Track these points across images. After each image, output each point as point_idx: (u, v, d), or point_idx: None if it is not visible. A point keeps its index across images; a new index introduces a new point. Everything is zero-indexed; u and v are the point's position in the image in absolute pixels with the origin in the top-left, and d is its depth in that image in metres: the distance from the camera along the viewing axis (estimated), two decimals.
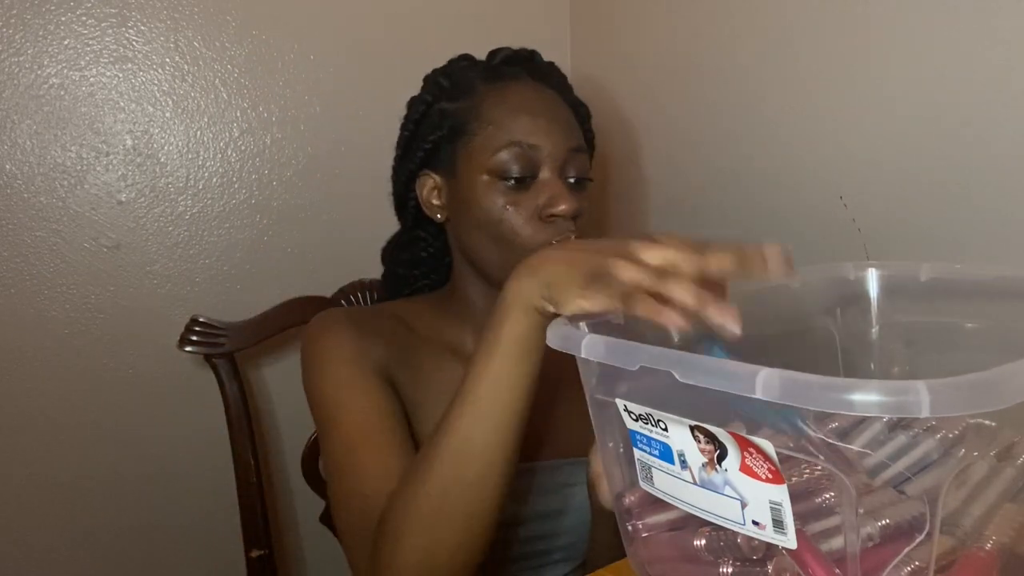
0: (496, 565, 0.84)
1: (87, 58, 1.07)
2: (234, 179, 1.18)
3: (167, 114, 1.13)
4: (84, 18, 1.07)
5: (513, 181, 0.80)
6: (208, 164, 1.16)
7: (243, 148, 1.18)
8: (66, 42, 1.06)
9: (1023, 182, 0.80)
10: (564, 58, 1.41)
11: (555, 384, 0.85)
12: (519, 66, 0.87)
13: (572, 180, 0.83)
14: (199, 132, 1.15)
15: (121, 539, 1.17)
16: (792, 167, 1.04)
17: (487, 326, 0.65)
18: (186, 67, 1.13)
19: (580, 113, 0.89)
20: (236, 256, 1.19)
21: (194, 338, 1.08)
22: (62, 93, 1.07)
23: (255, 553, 1.11)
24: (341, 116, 1.23)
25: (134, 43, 1.10)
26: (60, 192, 1.08)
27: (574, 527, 0.87)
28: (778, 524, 0.45)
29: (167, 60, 1.12)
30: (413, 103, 0.90)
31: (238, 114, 1.17)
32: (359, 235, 1.25)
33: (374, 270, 1.20)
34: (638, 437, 0.53)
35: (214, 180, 1.17)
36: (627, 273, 0.53)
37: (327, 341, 0.82)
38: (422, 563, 0.65)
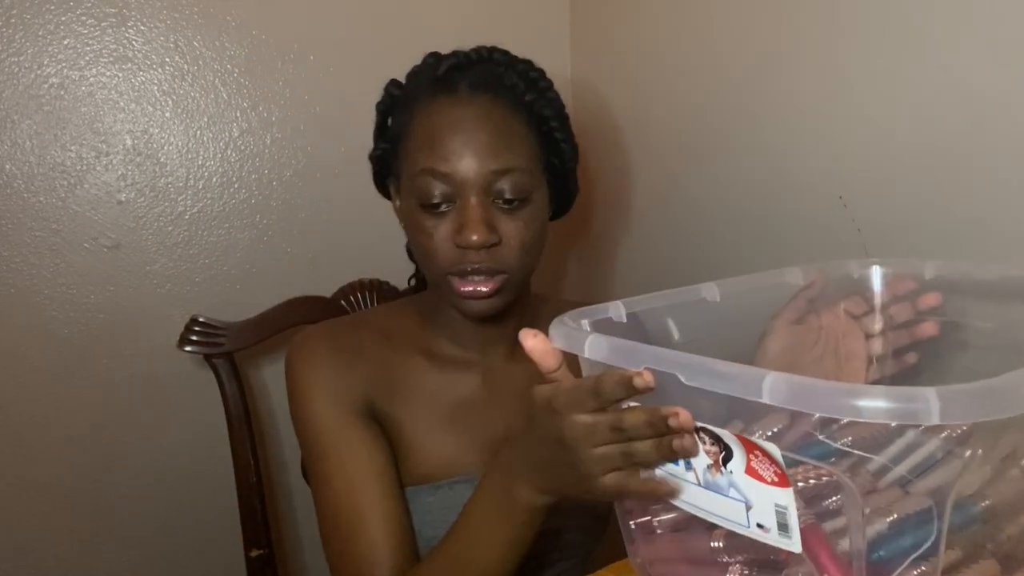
0: None
1: (87, 58, 1.07)
2: (234, 179, 1.18)
3: (167, 114, 1.13)
4: (84, 18, 1.07)
5: (430, 205, 0.77)
6: (208, 164, 1.16)
7: (243, 148, 1.18)
8: (66, 42, 1.06)
9: (1023, 182, 0.81)
10: (563, 60, 1.41)
11: (521, 382, 0.83)
12: (462, 73, 0.80)
13: (503, 203, 0.77)
14: (199, 132, 1.15)
15: (121, 539, 1.17)
16: (792, 167, 1.04)
17: (486, 498, 0.67)
18: (186, 67, 1.13)
19: (540, 118, 0.81)
20: (236, 256, 1.19)
21: (194, 338, 1.08)
22: (62, 93, 1.06)
23: (255, 553, 1.11)
24: (341, 116, 1.23)
25: (134, 43, 1.10)
26: (60, 192, 1.08)
27: (569, 526, 0.87)
28: (783, 527, 0.45)
29: (167, 60, 1.12)
30: (376, 111, 0.89)
31: (238, 114, 1.17)
32: (359, 235, 1.25)
33: (374, 270, 1.20)
34: None
35: (214, 180, 1.17)
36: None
37: (309, 376, 0.83)
38: None
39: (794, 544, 0.45)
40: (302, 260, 1.23)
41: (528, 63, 0.84)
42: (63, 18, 1.05)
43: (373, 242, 1.23)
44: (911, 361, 0.76)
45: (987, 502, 0.48)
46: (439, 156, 0.76)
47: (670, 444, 0.50)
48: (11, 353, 1.08)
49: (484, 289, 0.77)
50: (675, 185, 1.23)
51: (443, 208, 0.77)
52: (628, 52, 1.29)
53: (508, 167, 0.76)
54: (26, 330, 1.08)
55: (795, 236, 1.05)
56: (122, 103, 1.10)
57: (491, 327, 0.87)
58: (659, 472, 0.53)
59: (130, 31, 1.09)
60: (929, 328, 0.73)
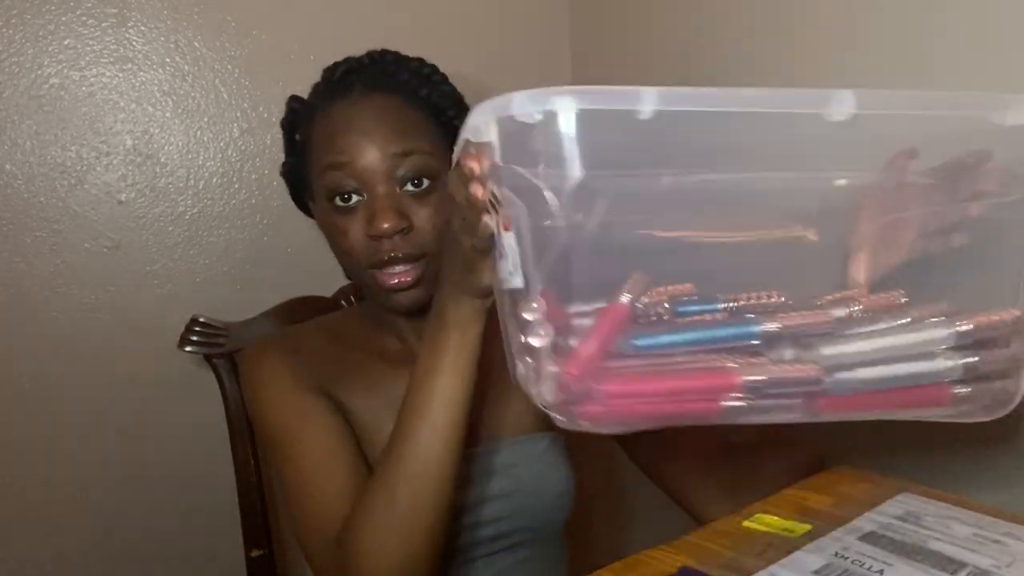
0: (449, 555, 0.83)
1: (87, 58, 1.07)
2: (234, 179, 1.18)
3: (167, 114, 1.13)
4: (84, 18, 1.07)
5: (340, 202, 0.79)
6: (208, 164, 1.16)
7: (243, 148, 1.18)
8: (66, 42, 1.06)
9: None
10: (564, 59, 1.41)
11: (484, 366, 0.85)
12: (356, 76, 0.82)
13: (411, 187, 0.78)
14: (199, 132, 1.15)
15: (120, 538, 1.17)
16: (792, 168, 1.04)
17: (428, 342, 0.69)
18: (186, 67, 1.13)
19: (437, 109, 0.83)
20: (236, 256, 1.19)
21: (194, 338, 1.08)
22: (62, 93, 1.07)
23: (255, 553, 1.11)
24: None
25: (134, 43, 1.10)
26: (60, 192, 1.08)
27: (524, 508, 0.87)
28: (513, 268, 0.51)
29: (167, 60, 1.12)
30: (281, 127, 0.90)
31: (238, 114, 1.17)
32: None
33: None
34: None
35: (214, 180, 1.17)
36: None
37: (263, 371, 0.84)
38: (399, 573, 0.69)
39: (517, 281, 0.50)
40: (302, 260, 1.23)
41: (420, 60, 0.86)
42: (63, 18, 1.06)
43: None
44: (956, 243, 0.63)
45: None
46: (339, 150, 0.78)
47: (466, 195, 0.54)
48: (11, 353, 1.08)
49: (408, 279, 0.78)
50: (675, 186, 1.23)
51: (353, 202, 0.78)
52: (628, 52, 1.29)
53: (408, 149, 0.78)
54: (26, 330, 1.08)
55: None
56: (122, 103, 1.10)
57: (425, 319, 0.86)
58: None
59: (130, 31, 1.09)
60: (974, 209, 0.61)
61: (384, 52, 0.85)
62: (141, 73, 1.11)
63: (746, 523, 0.66)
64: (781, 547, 0.61)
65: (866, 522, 0.64)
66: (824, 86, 1.00)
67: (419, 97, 0.82)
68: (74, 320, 1.10)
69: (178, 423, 1.18)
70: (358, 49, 1.22)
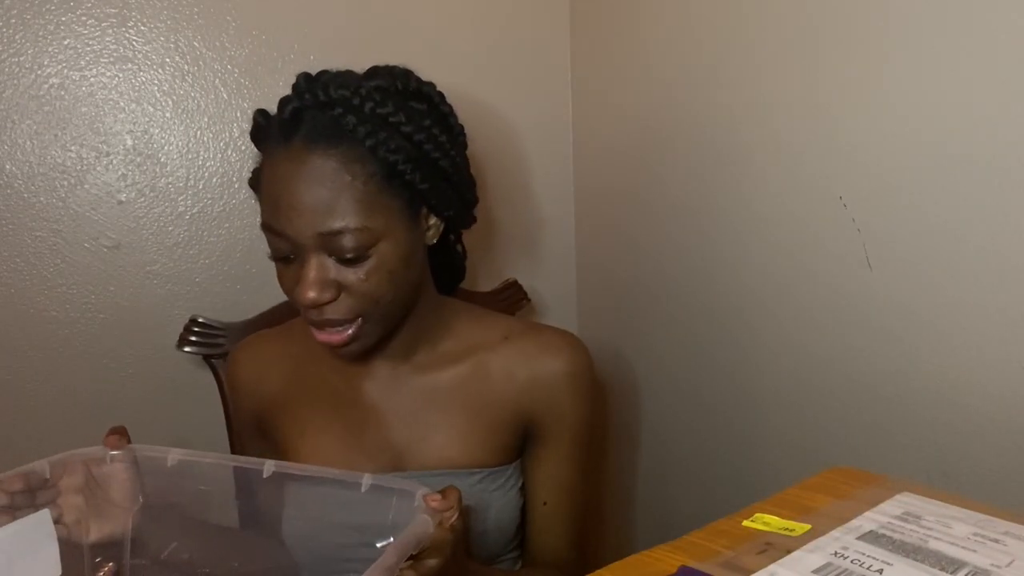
0: None
1: (87, 58, 1.07)
2: (234, 179, 1.18)
3: (167, 114, 1.13)
4: (84, 18, 1.07)
5: (282, 260, 0.79)
6: (208, 164, 1.16)
7: (243, 148, 1.18)
8: (66, 42, 1.06)
9: (1023, 182, 0.81)
10: (564, 61, 1.41)
11: (425, 392, 0.89)
12: (301, 119, 0.77)
13: (340, 260, 0.76)
14: (199, 132, 1.15)
15: None
16: (792, 167, 1.04)
17: None
18: (186, 67, 1.13)
19: (384, 163, 0.76)
20: (236, 256, 1.19)
21: (193, 338, 1.08)
22: (62, 93, 1.07)
23: None
24: None
25: (134, 43, 1.10)
26: (60, 192, 1.08)
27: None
28: None
29: (167, 60, 1.12)
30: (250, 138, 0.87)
31: (238, 114, 1.17)
32: None
33: None
34: None
35: (214, 180, 1.17)
36: None
37: (230, 380, 0.96)
38: None
39: None
40: None
41: (379, 97, 0.77)
42: (63, 18, 1.06)
43: None
44: None
45: None
46: (274, 214, 0.76)
47: None
48: (11, 353, 1.08)
49: (339, 339, 0.79)
50: (675, 185, 1.23)
51: (291, 258, 0.78)
52: (628, 52, 1.29)
53: (338, 229, 0.74)
54: (26, 330, 1.08)
55: (795, 236, 1.05)
56: (122, 103, 1.10)
57: (382, 342, 0.86)
58: None
59: (130, 31, 1.09)
60: None
61: (339, 86, 0.77)
62: (141, 73, 1.11)
63: (746, 523, 0.66)
64: (781, 547, 0.61)
65: (866, 522, 0.64)
66: (824, 84, 1.00)
67: (365, 150, 0.75)
68: (74, 320, 1.10)
69: (177, 423, 1.18)
70: (357, 50, 1.23)
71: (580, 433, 0.93)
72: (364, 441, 0.88)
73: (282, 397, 0.92)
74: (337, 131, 0.76)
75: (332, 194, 0.75)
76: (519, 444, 0.92)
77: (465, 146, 0.88)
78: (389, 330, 0.84)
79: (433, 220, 0.84)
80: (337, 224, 0.74)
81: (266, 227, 0.78)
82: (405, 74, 0.83)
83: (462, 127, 0.87)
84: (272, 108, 1.17)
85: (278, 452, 0.91)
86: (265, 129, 0.81)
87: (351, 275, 0.77)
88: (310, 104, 0.77)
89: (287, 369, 0.93)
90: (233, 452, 1.09)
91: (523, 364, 0.90)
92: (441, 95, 0.86)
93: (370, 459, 0.87)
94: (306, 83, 0.78)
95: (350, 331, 0.79)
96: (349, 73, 0.83)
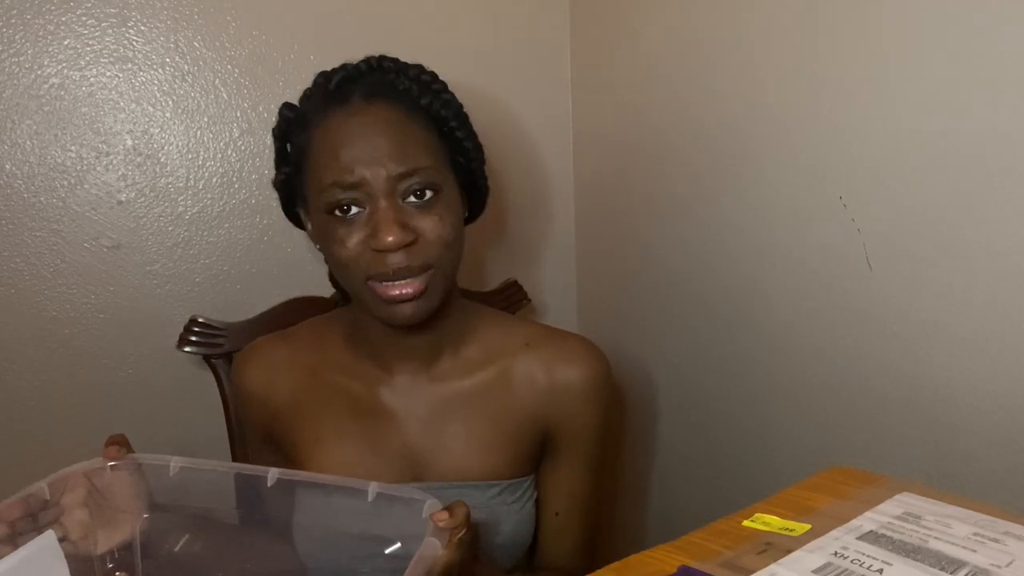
0: None
1: (87, 58, 1.07)
2: (234, 179, 1.18)
3: (167, 114, 1.13)
4: (84, 18, 1.07)
5: (339, 213, 0.77)
6: (208, 164, 1.16)
7: (243, 148, 1.18)
8: (66, 42, 1.06)
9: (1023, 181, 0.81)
10: (564, 58, 1.41)
11: (445, 400, 0.87)
12: (354, 84, 0.80)
13: (414, 199, 0.78)
14: (199, 132, 1.15)
15: None
16: (792, 167, 1.04)
17: None
18: (186, 67, 1.13)
19: (438, 118, 0.81)
20: (236, 256, 1.19)
21: (193, 338, 1.08)
22: (62, 93, 1.07)
23: None
24: None
25: (134, 43, 1.10)
26: (60, 192, 1.08)
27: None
28: None
29: (167, 60, 1.12)
30: (273, 136, 0.88)
31: (238, 114, 1.17)
32: None
33: None
34: None
35: (214, 180, 1.17)
36: None
37: (236, 388, 0.95)
38: None
39: None
40: (302, 260, 1.23)
41: (419, 67, 0.84)
42: (63, 18, 1.06)
43: None
44: None
45: None
46: (342, 167, 0.76)
47: None
48: (11, 353, 1.08)
49: (410, 290, 0.77)
50: (675, 185, 1.23)
51: (353, 213, 0.77)
52: (629, 51, 1.29)
53: (412, 168, 0.77)
54: (26, 330, 1.08)
55: (795, 236, 1.05)
56: (122, 103, 1.10)
57: (412, 338, 0.86)
58: None
59: (130, 31, 1.09)
60: None
61: (383, 58, 0.83)
62: (141, 73, 1.11)
63: (746, 523, 0.66)
64: (781, 546, 0.61)
65: (866, 521, 0.64)
66: (823, 84, 1.00)
67: (419, 107, 0.80)
68: (74, 320, 1.10)
69: (177, 423, 1.18)
70: (357, 49, 1.22)
71: (595, 443, 0.92)
72: (383, 449, 0.87)
73: (293, 406, 0.90)
74: (393, 89, 0.80)
75: (401, 136, 0.77)
76: (537, 454, 0.91)
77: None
78: (445, 298, 0.83)
79: (462, 200, 0.85)
80: (411, 163, 0.76)
81: (334, 184, 0.76)
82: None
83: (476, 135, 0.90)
84: (271, 107, 1.18)
85: (289, 463, 0.89)
86: (302, 113, 0.82)
87: (424, 219, 0.77)
88: (355, 73, 0.81)
89: (298, 377, 0.91)
90: (235, 454, 1.09)
91: (544, 372, 0.88)
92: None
93: (389, 468, 0.86)
94: (340, 67, 0.82)
95: (423, 283, 0.77)
96: None
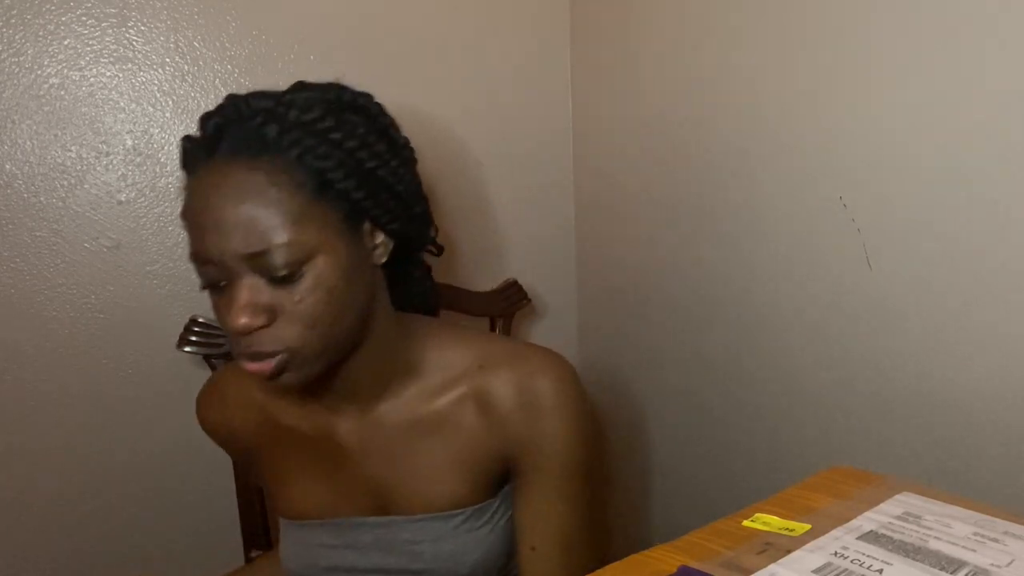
0: None
1: (87, 58, 1.07)
2: None
3: (167, 114, 1.13)
4: (84, 18, 1.07)
5: (211, 289, 0.72)
6: None
7: None
8: (66, 42, 1.06)
9: (1023, 182, 0.81)
10: (564, 59, 1.41)
11: (402, 431, 0.83)
12: (223, 133, 0.72)
13: (272, 280, 0.70)
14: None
15: (121, 538, 1.17)
16: (792, 167, 1.04)
17: None
18: (186, 67, 1.13)
19: (315, 171, 0.71)
20: None
21: (193, 338, 1.08)
22: (62, 93, 1.07)
23: (255, 553, 1.11)
24: None
25: (134, 43, 1.10)
26: (60, 192, 1.08)
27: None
28: None
29: (167, 60, 1.12)
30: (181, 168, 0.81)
31: None
32: None
33: None
34: None
35: None
36: None
37: (203, 429, 0.92)
38: None
39: None
40: None
41: (305, 105, 0.73)
42: (63, 18, 1.06)
43: None
44: None
45: None
46: (198, 240, 0.70)
47: None
48: (11, 353, 1.08)
49: (265, 371, 0.71)
50: (675, 186, 1.23)
51: (221, 288, 0.71)
52: (628, 53, 1.29)
53: (262, 248, 0.68)
54: (26, 330, 1.08)
55: (795, 236, 1.05)
56: (122, 103, 1.10)
57: (341, 386, 0.82)
58: None
59: (130, 31, 1.09)
60: None
61: (260, 97, 0.73)
62: (141, 73, 1.11)
63: (746, 522, 0.66)
64: (781, 546, 0.61)
65: (866, 521, 0.64)
66: (823, 85, 1.00)
67: (290, 162, 0.70)
68: (74, 320, 1.10)
69: (177, 423, 1.18)
70: (358, 49, 1.23)
71: (569, 466, 0.81)
72: (344, 487, 0.85)
73: (253, 446, 0.89)
74: (259, 142, 0.70)
75: (258, 210, 0.69)
76: (501, 475, 0.85)
77: (412, 161, 0.81)
78: (335, 358, 0.76)
79: (381, 238, 0.77)
80: (265, 241, 0.68)
81: (194, 256, 0.71)
82: (338, 86, 0.78)
83: (407, 141, 0.81)
84: None
85: (267, 493, 0.90)
86: (191, 152, 0.75)
87: (285, 297, 0.70)
88: (232, 117, 0.72)
89: (254, 418, 0.88)
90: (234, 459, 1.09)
91: (503, 391, 0.81)
92: (380, 107, 0.80)
93: (354, 504, 0.84)
94: (229, 99, 0.74)
95: (279, 365, 0.71)
96: (278, 90, 0.76)
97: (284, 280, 0.70)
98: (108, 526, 1.16)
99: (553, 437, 0.80)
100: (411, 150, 0.81)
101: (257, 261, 0.69)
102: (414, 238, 0.83)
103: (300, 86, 0.77)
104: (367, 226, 0.76)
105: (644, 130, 1.28)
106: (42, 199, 1.07)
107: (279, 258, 0.69)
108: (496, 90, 1.35)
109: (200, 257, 0.71)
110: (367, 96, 0.79)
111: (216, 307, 0.73)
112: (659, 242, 1.28)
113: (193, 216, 0.72)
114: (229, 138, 0.71)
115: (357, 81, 1.23)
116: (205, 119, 0.73)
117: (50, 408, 1.11)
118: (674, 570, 0.59)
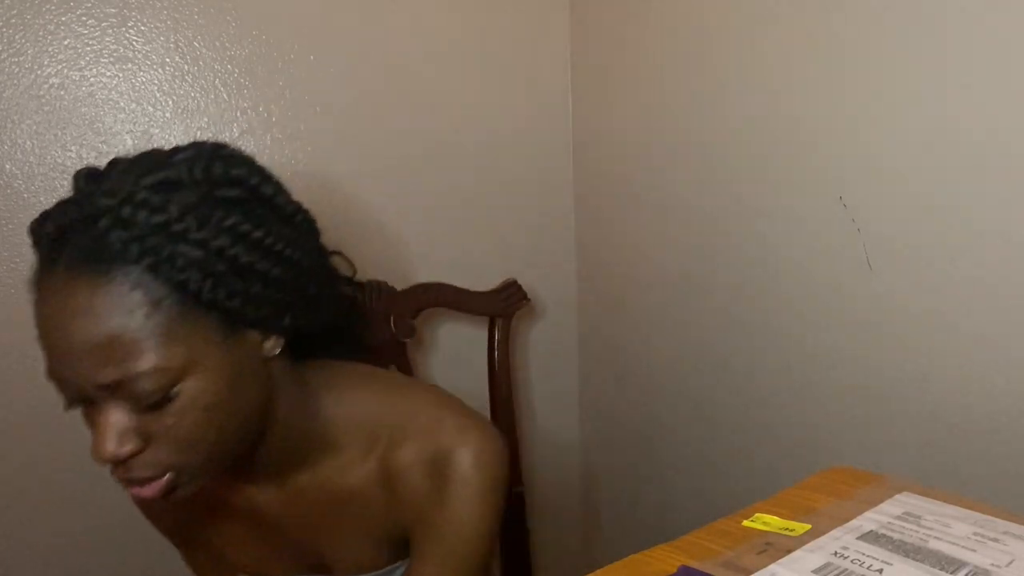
0: None
1: (87, 58, 1.07)
2: None
3: (167, 114, 1.13)
4: (84, 18, 1.07)
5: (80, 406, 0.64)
6: None
7: (243, 148, 1.17)
8: (66, 42, 1.06)
9: (1023, 182, 0.81)
10: (564, 59, 1.41)
11: (324, 499, 0.79)
12: (63, 242, 0.62)
13: (139, 407, 0.61)
14: (199, 132, 1.15)
15: (122, 538, 1.16)
16: (792, 167, 1.04)
17: None
18: (186, 67, 1.13)
19: (170, 277, 0.60)
20: None
21: None
22: (62, 93, 1.07)
23: None
24: (341, 116, 1.23)
25: (134, 43, 1.10)
26: (60, 192, 1.07)
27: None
28: None
29: (167, 60, 1.12)
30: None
31: (238, 114, 1.17)
32: (358, 235, 1.25)
33: (374, 270, 1.20)
34: None
35: None
36: None
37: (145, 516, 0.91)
38: None
39: None
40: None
41: (159, 200, 0.61)
42: (63, 18, 1.06)
43: (371, 243, 1.23)
44: None
45: None
46: (51, 360, 0.62)
47: None
48: (11, 353, 1.08)
49: (151, 493, 0.64)
50: (675, 185, 1.23)
51: (88, 411, 0.64)
52: (628, 52, 1.29)
53: (119, 378, 0.59)
54: (26, 330, 1.08)
55: (795, 236, 1.05)
56: (122, 103, 1.10)
57: (249, 467, 0.76)
58: None
59: (130, 31, 1.09)
60: None
61: (105, 194, 0.62)
62: (141, 73, 1.11)
63: (746, 522, 0.66)
64: (781, 546, 0.61)
65: (866, 521, 0.64)
66: (823, 85, 1.00)
67: (142, 271, 0.60)
68: None
69: None
70: (358, 49, 1.23)
71: (464, 547, 0.75)
72: (281, 550, 0.83)
73: (191, 521, 0.86)
74: (105, 252, 0.60)
75: (109, 335, 0.59)
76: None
77: (309, 231, 0.73)
78: (226, 465, 0.69)
79: (270, 339, 0.69)
80: (122, 370, 0.59)
81: (50, 375, 0.63)
82: (211, 155, 0.66)
83: (299, 207, 0.72)
84: (271, 107, 1.18)
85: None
86: (36, 245, 0.65)
87: (156, 421, 0.62)
88: (74, 217, 0.61)
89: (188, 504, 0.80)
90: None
91: (407, 469, 0.75)
92: (262, 173, 0.69)
93: (295, 564, 0.84)
94: (75, 190, 0.65)
95: (164, 487, 0.64)
96: (140, 164, 0.65)
97: (153, 406, 0.61)
98: (107, 523, 1.15)
99: (453, 516, 0.74)
100: (305, 215, 0.73)
101: (118, 390, 0.60)
102: (313, 320, 0.72)
103: (159, 162, 0.64)
104: (249, 332, 0.67)
105: (644, 129, 1.28)
106: (42, 199, 1.07)
107: (142, 386, 0.60)
108: (496, 90, 1.35)
109: (55, 379, 0.62)
110: (243, 162, 0.68)
111: (89, 424, 0.64)
112: (659, 241, 1.28)
113: (42, 335, 0.63)
114: (71, 247, 0.61)
115: (357, 80, 1.23)
116: (43, 219, 0.63)
117: (50, 407, 1.10)
118: (674, 570, 0.59)
